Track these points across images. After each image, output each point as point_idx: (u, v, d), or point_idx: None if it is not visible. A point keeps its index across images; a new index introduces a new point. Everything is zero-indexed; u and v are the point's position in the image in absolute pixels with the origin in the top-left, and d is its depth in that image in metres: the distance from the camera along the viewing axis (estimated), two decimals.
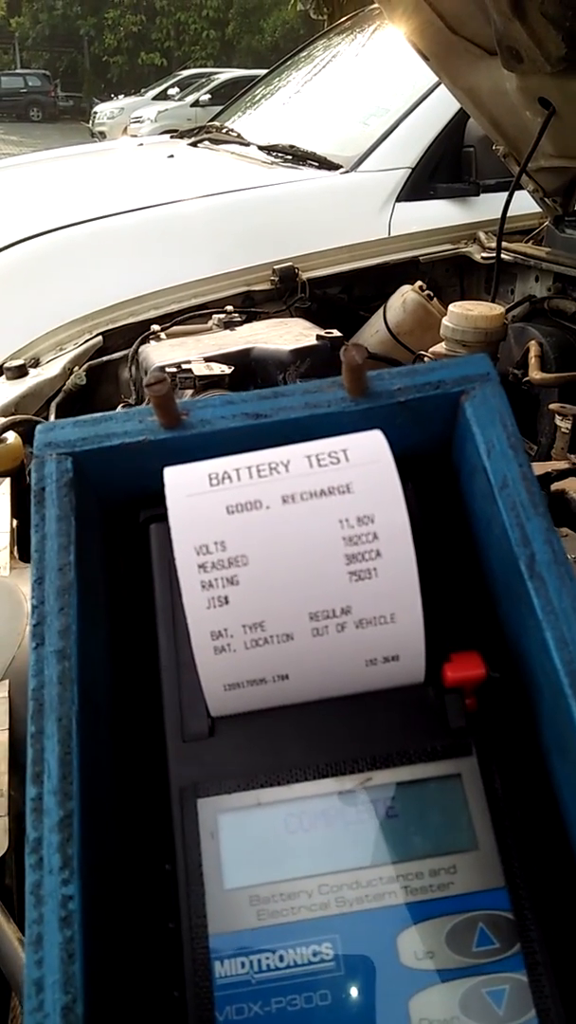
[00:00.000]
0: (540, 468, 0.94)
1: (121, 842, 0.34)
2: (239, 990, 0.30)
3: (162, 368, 1.08)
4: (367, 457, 0.34)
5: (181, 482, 0.33)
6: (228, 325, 1.35)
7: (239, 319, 1.38)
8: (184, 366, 1.11)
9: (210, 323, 1.38)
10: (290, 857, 0.32)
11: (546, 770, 0.34)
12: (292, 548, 0.32)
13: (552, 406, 1.13)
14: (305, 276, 1.51)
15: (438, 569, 0.36)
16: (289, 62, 2.49)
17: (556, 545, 0.34)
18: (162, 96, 10.62)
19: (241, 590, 0.32)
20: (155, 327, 1.34)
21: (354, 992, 0.30)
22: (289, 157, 1.90)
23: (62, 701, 0.31)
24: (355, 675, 0.34)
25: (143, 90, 12.25)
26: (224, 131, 2.24)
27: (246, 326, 1.34)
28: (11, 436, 1.14)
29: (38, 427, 0.37)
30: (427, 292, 1.42)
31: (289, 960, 0.31)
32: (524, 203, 1.47)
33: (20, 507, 0.88)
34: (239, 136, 2.14)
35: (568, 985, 0.30)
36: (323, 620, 0.33)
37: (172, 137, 2.58)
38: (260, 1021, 0.30)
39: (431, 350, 1.21)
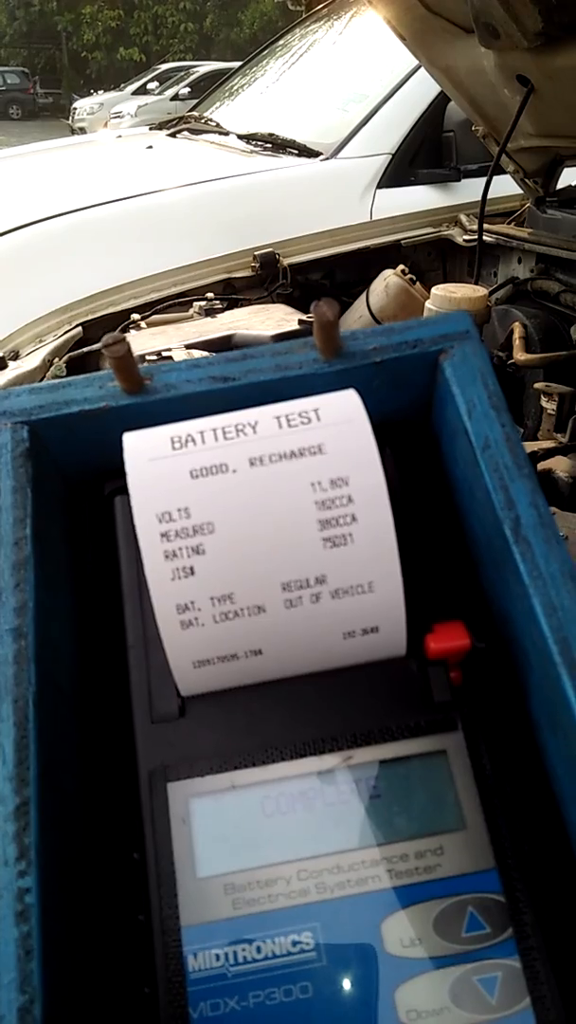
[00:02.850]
0: (527, 448, 0.93)
1: (86, 830, 0.32)
2: (214, 984, 0.28)
3: (143, 356, 1.06)
4: (340, 416, 0.32)
5: (141, 447, 0.31)
6: (209, 312, 1.33)
7: (220, 306, 1.36)
8: (165, 353, 1.09)
9: (191, 311, 1.36)
10: (267, 842, 0.30)
11: (536, 744, 0.33)
12: (261, 514, 0.30)
13: (537, 385, 1.11)
14: (286, 262, 1.49)
15: (418, 537, 0.34)
16: (267, 51, 2.46)
17: (542, 508, 0.32)
18: (141, 91, 10.55)
19: (208, 560, 0.30)
20: (135, 316, 1.32)
21: (337, 983, 0.28)
22: (268, 145, 1.88)
23: (18, 682, 0.29)
24: (332, 649, 0.32)
25: (122, 85, 12.16)
26: (203, 121, 2.22)
27: (227, 313, 1.32)
28: None
29: None
30: (409, 276, 1.40)
31: (267, 951, 0.29)
32: (505, 185, 1.45)
33: None
34: (218, 125, 2.12)
35: (564, 970, 0.28)
36: (296, 590, 0.31)
37: (151, 128, 2.55)
38: (237, 1016, 0.28)
39: None
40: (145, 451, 0.31)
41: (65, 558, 0.36)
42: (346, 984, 0.28)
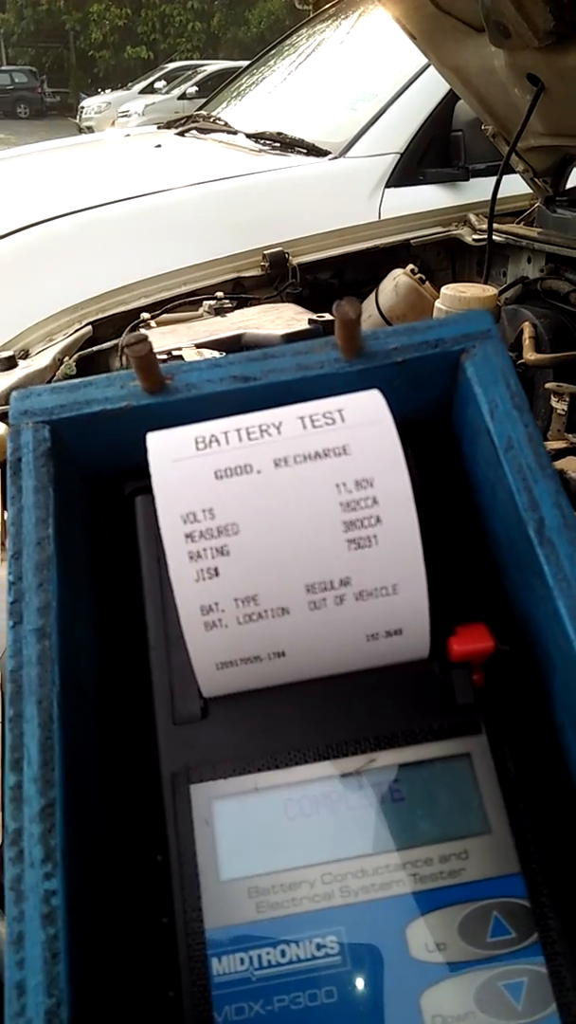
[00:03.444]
0: None
1: (109, 832, 0.31)
2: (238, 988, 0.28)
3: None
4: (365, 417, 0.32)
5: (165, 447, 0.31)
6: (219, 311, 1.33)
7: (230, 305, 1.36)
8: (175, 352, 1.09)
9: (201, 310, 1.35)
10: (290, 845, 0.30)
11: (560, 747, 0.32)
12: (286, 515, 0.30)
13: (548, 385, 1.11)
14: (296, 261, 1.49)
15: (441, 538, 0.34)
16: (275, 50, 2.46)
17: (566, 509, 0.32)
18: (149, 89, 10.55)
19: (232, 561, 0.30)
20: (145, 315, 1.32)
21: (361, 988, 0.28)
22: (277, 144, 1.87)
23: (42, 683, 0.29)
24: (356, 651, 0.32)
25: (130, 84, 12.17)
26: (211, 120, 2.22)
27: (237, 312, 1.32)
28: (1, 428, 1.12)
29: (13, 394, 0.35)
30: (419, 275, 1.40)
31: (291, 955, 0.29)
32: (514, 185, 1.45)
33: None
34: (226, 124, 2.12)
35: None
36: (320, 592, 0.31)
37: (159, 127, 2.55)
38: (262, 1021, 0.28)
39: None
40: (169, 451, 0.31)
41: (86, 558, 0.36)
42: (371, 989, 0.28)
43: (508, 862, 0.30)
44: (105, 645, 0.35)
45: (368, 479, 0.31)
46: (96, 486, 0.37)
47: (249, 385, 0.35)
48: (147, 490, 0.34)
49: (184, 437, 0.31)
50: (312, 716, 0.32)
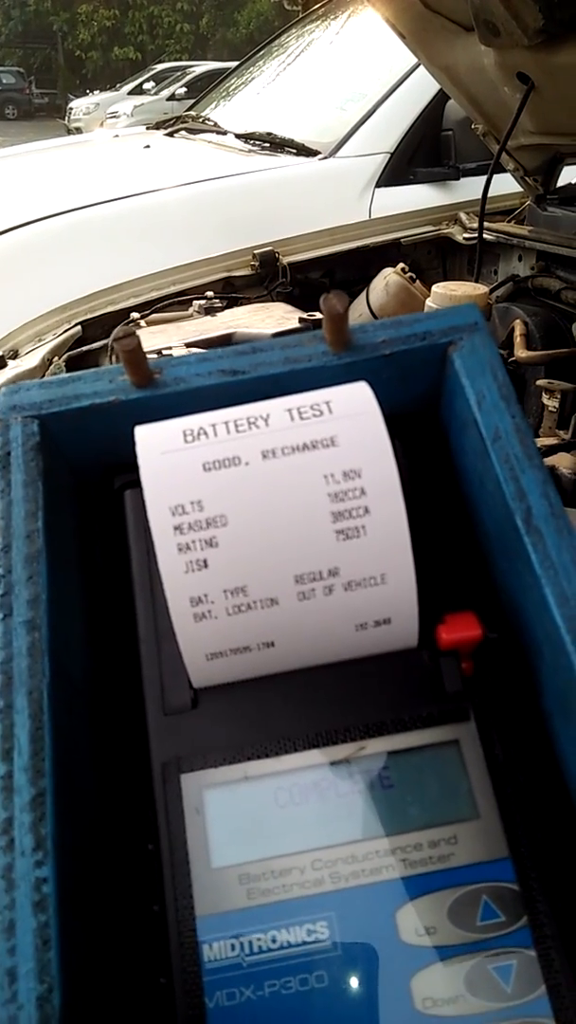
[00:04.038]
0: None
1: (100, 821, 0.32)
2: (230, 974, 0.28)
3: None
4: (352, 409, 0.32)
5: (153, 440, 0.31)
6: (209, 311, 1.33)
7: (220, 305, 1.36)
8: (164, 352, 1.09)
9: (191, 310, 1.36)
10: (281, 832, 0.30)
11: (548, 733, 0.33)
12: (274, 506, 0.31)
13: (540, 382, 1.11)
14: (286, 260, 1.49)
15: (430, 529, 0.34)
16: (264, 50, 2.46)
17: (553, 498, 0.32)
18: (137, 91, 10.54)
19: (221, 552, 0.30)
20: (135, 315, 1.32)
21: (352, 972, 0.28)
22: (267, 144, 1.88)
23: (32, 674, 0.29)
24: (345, 640, 0.32)
25: (118, 85, 12.14)
26: (200, 120, 2.22)
27: (227, 312, 1.32)
28: None
29: (1, 390, 0.35)
30: (409, 274, 1.40)
31: (282, 941, 0.29)
32: (505, 184, 1.45)
33: None
34: (216, 125, 2.12)
35: None
36: (309, 583, 0.31)
37: (148, 128, 2.55)
38: (253, 1006, 0.28)
39: None
40: (158, 444, 0.31)
41: (75, 552, 0.36)
42: (362, 973, 0.28)
43: (497, 847, 0.30)
44: (95, 638, 0.35)
45: (356, 470, 0.31)
46: (85, 480, 0.38)
47: (237, 379, 0.35)
48: (136, 484, 0.34)
49: (172, 430, 0.32)
50: (302, 705, 0.32)
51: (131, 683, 0.33)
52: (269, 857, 0.30)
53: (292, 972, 0.28)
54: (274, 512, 0.31)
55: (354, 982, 0.28)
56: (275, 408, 0.32)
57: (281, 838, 0.30)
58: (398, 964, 0.28)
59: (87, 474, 0.37)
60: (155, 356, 1.06)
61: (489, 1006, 0.28)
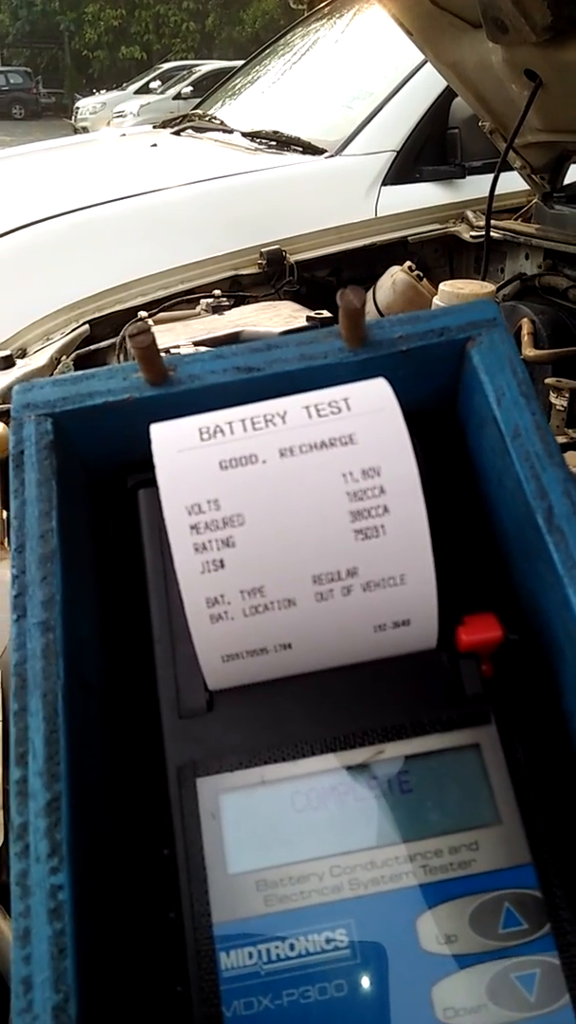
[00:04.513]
0: None
1: (115, 827, 0.31)
2: (247, 982, 0.28)
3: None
4: (371, 406, 0.31)
5: (169, 438, 0.31)
6: (216, 309, 1.33)
7: (227, 303, 1.36)
8: (173, 350, 1.09)
9: (198, 308, 1.35)
10: (299, 838, 0.30)
11: (570, 736, 0.32)
12: (291, 505, 0.30)
13: (547, 380, 1.11)
14: (293, 259, 1.49)
15: (448, 528, 0.34)
16: (270, 49, 2.46)
17: (575, 496, 0.31)
18: (144, 90, 10.55)
19: (238, 552, 0.30)
20: (143, 313, 1.32)
21: (372, 981, 0.28)
22: (273, 143, 1.87)
23: (47, 676, 0.29)
24: (363, 642, 0.32)
25: (124, 84, 12.16)
26: (207, 119, 2.21)
27: (235, 310, 1.32)
28: (0, 426, 1.12)
29: (15, 388, 0.34)
30: (416, 272, 1.39)
31: (300, 948, 0.28)
32: (511, 182, 1.44)
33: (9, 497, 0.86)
34: (222, 123, 2.11)
35: None
36: (327, 583, 0.30)
37: (155, 127, 2.54)
38: (271, 1015, 0.27)
39: None
40: (173, 442, 0.31)
41: (89, 552, 0.36)
42: (381, 982, 0.28)
43: (519, 853, 0.29)
44: (109, 639, 0.35)
45: (375, 468, 0.30)
46: (99, 479, 0.37)
47: (252, 376, 0.34)
48: (150, 483, 0.34)
49: (188, 428, 0.31)
50: (319, 708, 0.32)
51: (146, 685, 0.33)
52: (287, 863, 0.29)
53: (311, 981, 0.28)
54: (292, 511, 0.30)
55: (374, 992, 0.28)
56: (292, 405, 0.32)
57: (299, 844, 0.30)
58: (419, 973, 0.28)
59: (100, 473, 0.37)
60: (163, 354, 1.06)
61: (512, 1016, 0.27)
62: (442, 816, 0.30)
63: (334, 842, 0.30)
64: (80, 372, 0.35)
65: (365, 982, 0.28)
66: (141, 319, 1.29)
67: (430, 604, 0.31)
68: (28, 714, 0.28)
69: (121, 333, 1.27)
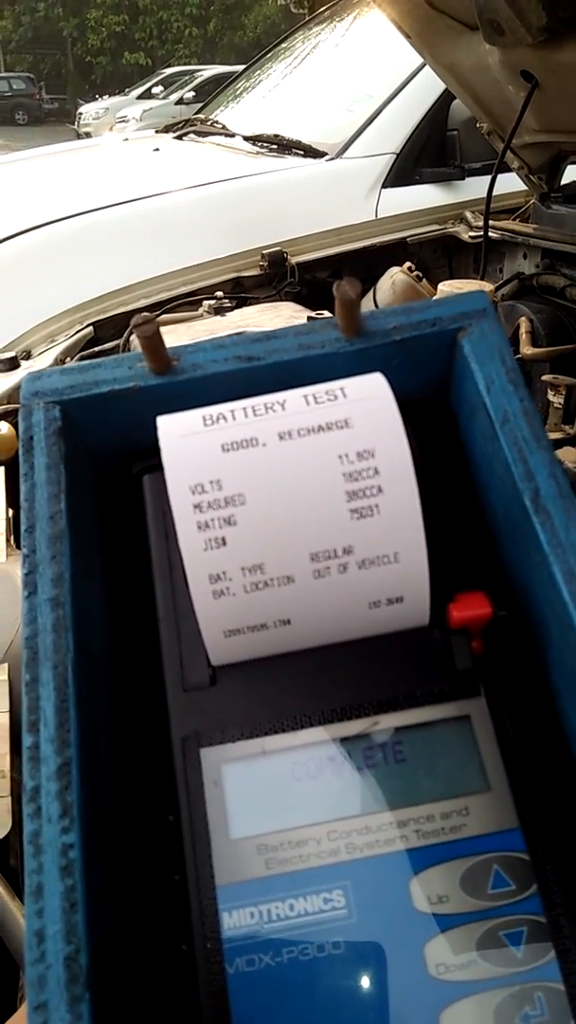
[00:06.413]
0: None
1: (123, 793, 0.33)
2: (249, 941, 0.29)
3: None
4: (366, 393, 0.33)
5: (174, 425, 0.32)
6: (218, 311, 1.34)
7: (229, 305, 1.37)
8: None
9: (200, 310, 1.37)
10: (298, 804, 0.31)
11: (557, 712, 0.33)
12: (290, 485, 0.31)
13: (545, 377, 1.12)
14: (294, 260, 1.50)
15: (440, 511, 0.35)
16: (271, 53, 2.48)
17: (560, 478, 0.33)
18: (146, 95, 10.61)
19: (239, 531, 0.31)
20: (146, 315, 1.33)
21: (367, 939, 0.29)
22: (274, 146, 1.89)
23: (57, 649, 0.30)
24: (358, 618, 0.33)
25: (127, 90, 12.23)
26: (209, 123, 2.24)
27: (237, 311, 1.33)
28: (4, 427, 1.14)
29: (24, 376, 0.36)
30: (416, 273, 1.41)
31: (299, 909, 0.30)
32: (509, 183, 1.46)
33: (15, 496, 0.87)
34: (224, 127, 2.14)
35: None
36: (324, 561, 0.32)
37: (157, 131, 2.57)
38: (271, 972, 0.29)
39: None
40: (178, 428, 0.32)
41: (96, 534, 0.37)
42: (376, 940, 0.29)
43: (507, 818, 0.31)
44: (116, 617, 0.36)
45: (370, 450, 0.32)
46: (104, 465, 0.39)
47: (252, 365, 0.36)
48: (154, 469, 0.35)
49: (192, 416, 0.33)
50: (317, 682, 0.33)
51: (150, 661, 0.34)
52: (286, 828, 0.31)
53: (309, 939, 0.29)
54: (290, 491, 0.31)
55: (369, 949, 0.29)
56: (292, 395, 0.33)
57: (298, 810, 0.31)
58: (412, 931, 0.29)
59: (106, 459, 0.38)
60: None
61: (500, 971, 0.29)
62: (434, 784, 0.31)
63: (331, 808, 0.31)
64: (87, 362, 0.36)
65: (361, 940, 0.29)
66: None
67: (422, 581, 0.32)
68: (39, 684, 0.30)
69: (125, 335, 1.28)
